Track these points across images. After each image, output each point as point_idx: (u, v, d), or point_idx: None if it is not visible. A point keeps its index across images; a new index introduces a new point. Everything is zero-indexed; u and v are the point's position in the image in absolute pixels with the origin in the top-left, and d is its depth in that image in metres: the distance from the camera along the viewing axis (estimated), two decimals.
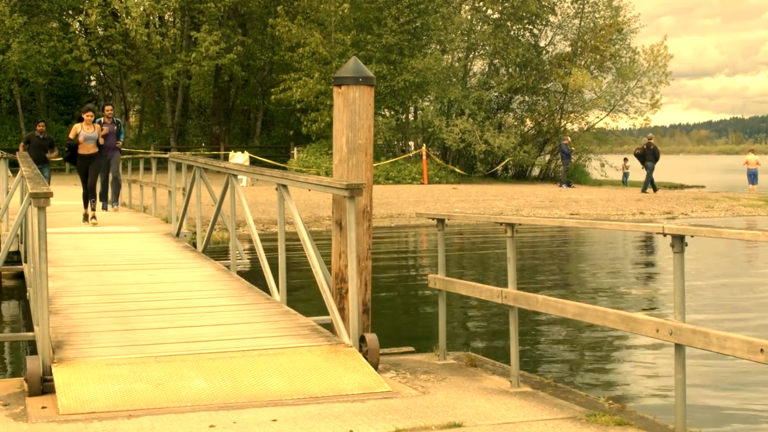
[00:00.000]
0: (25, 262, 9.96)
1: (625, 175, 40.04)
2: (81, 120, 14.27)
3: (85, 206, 14.51)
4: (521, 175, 41.21)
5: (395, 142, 41.07)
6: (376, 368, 6.28)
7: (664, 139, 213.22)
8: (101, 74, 42.82)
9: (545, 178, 41.16)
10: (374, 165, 10.17)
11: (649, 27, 61.67)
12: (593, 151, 41.99)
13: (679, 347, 4.83)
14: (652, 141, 32.58)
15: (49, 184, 16.05)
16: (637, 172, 40.07)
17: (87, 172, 14.26)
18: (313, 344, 6.59)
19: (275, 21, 37.00)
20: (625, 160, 40.63)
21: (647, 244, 19.76)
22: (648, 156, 32.06)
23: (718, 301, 12.53)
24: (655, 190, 31.85)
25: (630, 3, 50.05)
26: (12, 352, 9.51)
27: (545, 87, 41.70)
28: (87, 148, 14.12)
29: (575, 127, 42.14)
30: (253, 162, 31.91)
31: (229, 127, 44.82)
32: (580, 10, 41.07)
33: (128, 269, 9.90)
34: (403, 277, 15.08)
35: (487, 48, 40.76)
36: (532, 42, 41.58)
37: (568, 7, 41.46)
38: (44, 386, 5.73)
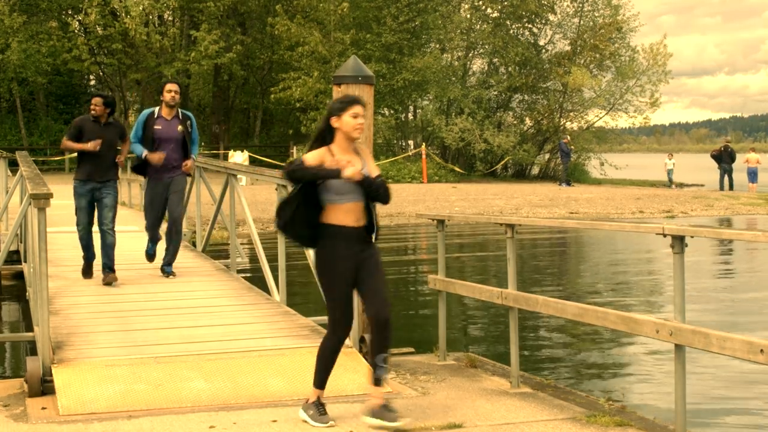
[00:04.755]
0: (25, 261, 9.95)
1: (670, 172, 39.14)
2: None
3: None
4: (521, 174, 41.20)
5: (395, 141, 41.06)
6: None
7: (664, 138, 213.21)
8: (101, 73, 42.77)
9: (545, 176, 41.16)
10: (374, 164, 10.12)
11: (650, 26, 61.83)
12: (593, 149, 42.00)
13: (679, 348, 4.83)
14: (729, 143, 33.83)
15: (114, 216, 8.74)
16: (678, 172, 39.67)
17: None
18: (314, 345, 6.56)
19: (274, 20, 36.99)
20: (670, 156, 40.10)
21: (648, 242, 19.75)
22: (725, 158, 33.93)
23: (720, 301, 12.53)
24: (731, 188, 33.39)
25: (629, 2, 50.18)
26: (12, 353, 9.51)
27: (545, 86, 41.71)
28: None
29: (575, 125, 42.14)
30: (253, 161, 31.89)
31: (229, 126, 44.79)
32: (579, 9, 41.07)
33: (127, 269, 9.87)
34: (402, 277, 15.07)
35: (487, 47, 40.75)
36: (532, 41, 41.59)
37: (568, 5, 41.50)
38: (44, 387, 5.73)
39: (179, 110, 9.19)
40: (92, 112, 8.79)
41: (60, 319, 7.25)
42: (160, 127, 8.99)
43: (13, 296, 12.27)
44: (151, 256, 9.79)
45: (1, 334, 10.20)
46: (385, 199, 5.10)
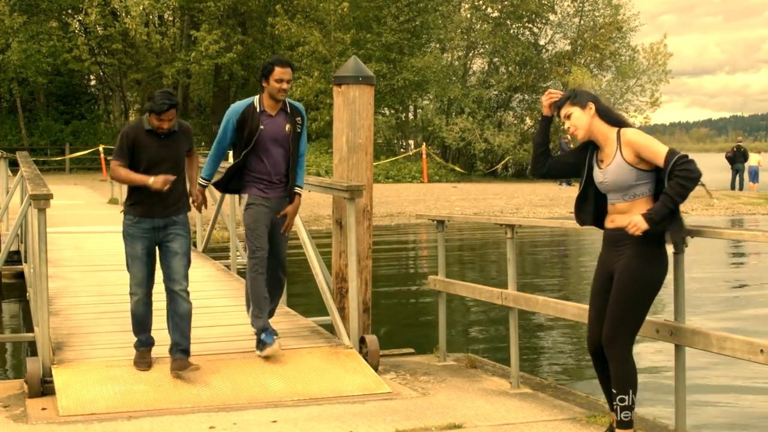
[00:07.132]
0: (25, 261, 9.95)
1: None
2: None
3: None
4: (521, 174, 41.20)
5: (395, 141, 41.08)
6: (376, 370, 6.28)
7: (664, 138, 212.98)
8: (101, 73, 42.75)
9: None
10: (374, 164, 10.14)
11: (651, 25, 61.86)
12: None
13: (678, 348, 4.82)
14: (741, 143, 34.01)
15: (187, 268, 5.88)
16: None
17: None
18: (313, 346, 6.59)
19: (275, 20, 37.01)
20: None
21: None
22: (738, 158, 34.06)
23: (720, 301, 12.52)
24: (741, 188, 33.50)
25: (630, 1, 50.29)
26: (13, 353, 9.51)
27: (545, 85, 41.70)
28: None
29: None
30: None
31: None
32: (579, 9, 41.12)
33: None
34: (403, 277, 15.07)
35: (487, 46, 40.79)
36: (532, 40, 41.63)
37: (568, 5, 41.56)
38: (44, 388, 5.73)
39: (286, 101, 6.48)
40: (159, 129, 5.76)
41: (60, 319, 7.25)
42: (264, 127, 6.27)
43: (14, 296, 12.28)
44: (264, 344, 6.19)
45: (2, 335, 10.20)
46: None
